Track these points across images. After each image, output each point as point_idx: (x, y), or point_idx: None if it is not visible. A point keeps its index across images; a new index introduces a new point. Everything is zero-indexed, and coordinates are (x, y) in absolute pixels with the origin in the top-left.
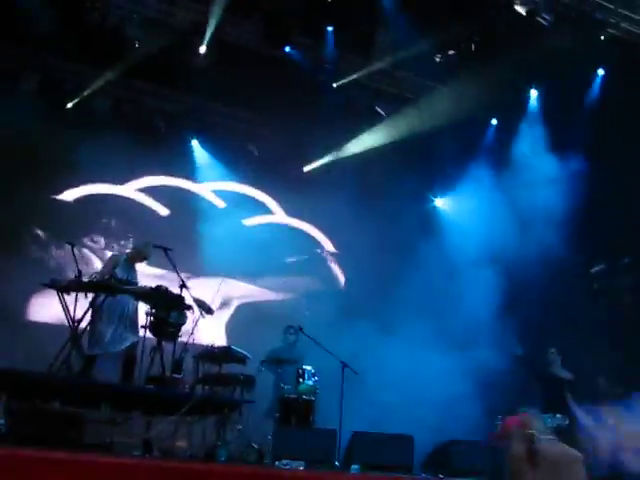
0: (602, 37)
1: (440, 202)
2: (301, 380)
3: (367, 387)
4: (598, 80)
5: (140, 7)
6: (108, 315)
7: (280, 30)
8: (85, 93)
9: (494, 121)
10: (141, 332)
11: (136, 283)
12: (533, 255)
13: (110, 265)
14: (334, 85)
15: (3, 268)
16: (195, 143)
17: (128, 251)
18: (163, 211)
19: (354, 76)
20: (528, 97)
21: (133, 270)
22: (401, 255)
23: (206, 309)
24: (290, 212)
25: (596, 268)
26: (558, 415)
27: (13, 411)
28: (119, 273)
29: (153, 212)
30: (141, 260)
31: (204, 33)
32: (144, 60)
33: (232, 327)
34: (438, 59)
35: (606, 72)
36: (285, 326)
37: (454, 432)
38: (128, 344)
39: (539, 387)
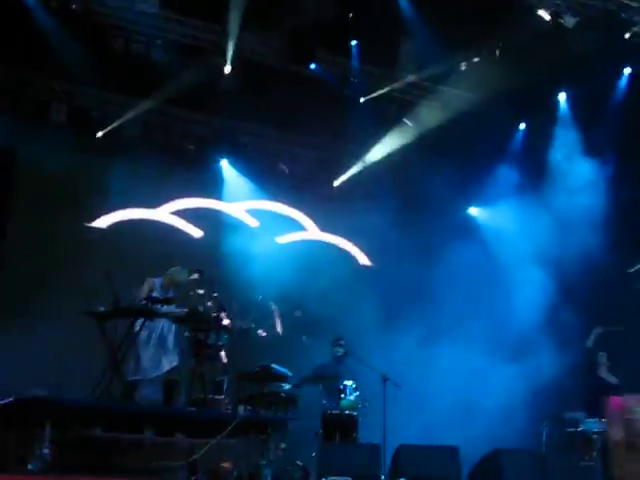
0: (627, 36)
1: (474, 210)
2: (343, 396)
3: (411, 399)
4: (625, 79)
5: (163, 32)
6: (147, 339)
7: (305, 48)
8: (114, 120)
9: (522, 126)
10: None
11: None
12: (575, 258)
13: (147, 289)
14: (361, 99)
15: (40, 296)
16: (225, 164)
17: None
18: (197, 233)
19: (381, 89)
20: (557, 101)
21: (170, 293)
22: (439, 263)
23: (243, 330)
24: (323, 227)
25: (636, 267)
26: (604, 419)
27: (57, 439)
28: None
29: (187, 235)
30: (175, 285)
31: (226, 52)
32: (171, 85)
33: (272, 344)
34: (463, 67)
35: (633, 71)
36: (332, 338)
37: (501, 441)
38: (167, 369)
39: (585, 390)
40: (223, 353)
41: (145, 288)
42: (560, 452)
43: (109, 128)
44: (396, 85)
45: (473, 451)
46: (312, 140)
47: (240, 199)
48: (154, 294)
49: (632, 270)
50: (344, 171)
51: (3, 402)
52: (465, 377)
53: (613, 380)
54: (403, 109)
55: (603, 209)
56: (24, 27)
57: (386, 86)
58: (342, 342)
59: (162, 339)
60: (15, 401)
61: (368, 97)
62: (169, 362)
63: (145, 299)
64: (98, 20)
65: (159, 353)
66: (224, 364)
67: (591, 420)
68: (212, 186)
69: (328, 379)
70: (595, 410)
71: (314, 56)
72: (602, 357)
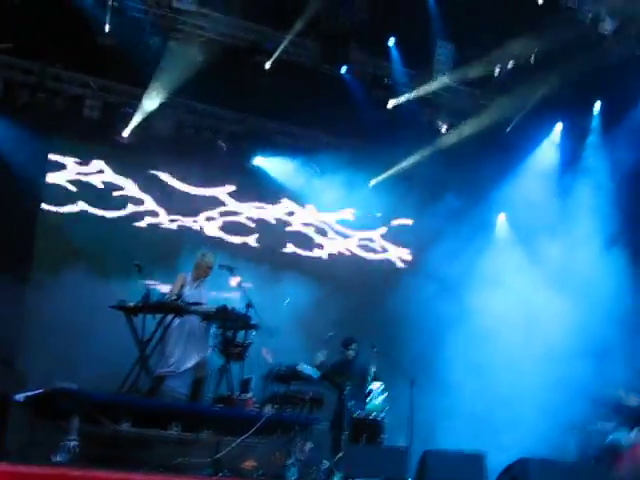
0: None
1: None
2: (368, 400)
3: (438, 402)
4: None
5: (200, 30)
6: (176, 335)
7: (339, 48)
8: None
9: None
10: (208, 352)
11: (204, 301)
12: None
13: (178, 284)
14: (394, 100)
15: (70, 290)
16: (258, 161)
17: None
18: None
19: (413, 92)
20: (592, 108)
21: (202, 287)
22: (478, 261)
23: (272, 328)
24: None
25: None
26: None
27: (85, 432)
28: (187, 291)
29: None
30: (204, 273)
31: (263, 52)
32: (204, 81)
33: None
34: (497, 72)
35: None
36: (343, 338)
37: (528, 449)
38: (194, 362)
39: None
40: (265, 350)
41: (177, 284)
42: (589, 463)
43: (137, 123)
44: (429, 87)
45: (499, 459)
46: (344, 140)
47: (274, 199)
48: (186, 289)
49: None
50: (377, 171)
51: (33, 394)
52: (495, 380)
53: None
54: (436, 112)
55: None
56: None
57: (419, 89)
58: (354, 345)
59: (192, 334)
60: (45, 393)
61: (400, 98)
62: (196, 356)
63: (176, 296)
64: (135, 16)
65: (189, 347)
66: (251, 363)
67: (621, 431)
68: (246, 185)
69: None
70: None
71: (348, 56)
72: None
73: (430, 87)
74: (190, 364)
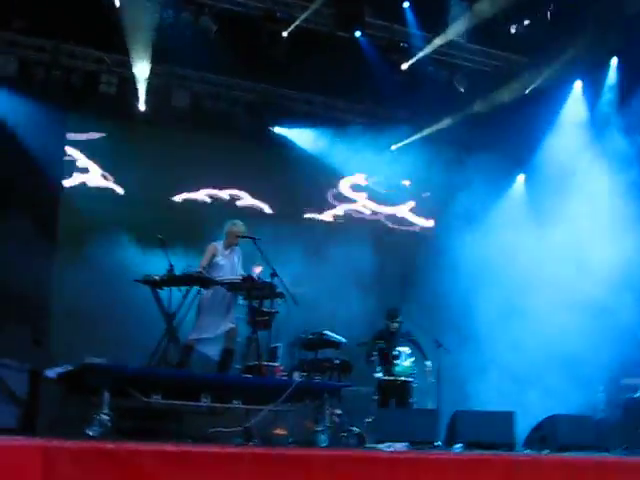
0: None
1: (522, 177)
2: (397, 362)
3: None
4: None
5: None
6: (208, 305)
7: (353, 13)
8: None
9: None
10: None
11: (238, 268)
12: None
13: (209, 255)
14: (410, 62)
15: (95, 266)
16: (279, 130)
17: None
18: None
19: (426, 50)
20: (608, 66)
21: (234, 254)
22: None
23: (297, 297)
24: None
25: None
26: None
27: (116, 406)
28: (220, 260)
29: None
30: (235, 239)
31: (277, 21)
32: (220, 53)
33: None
34: (514, 30)
35: None
36: (387, 310)
37: (558, 407)
38: (226, 330)
39: None
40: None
41: (208, 254)
42: (617, 418)
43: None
44: (445, 46)
45: (530, 417)
46: (362, 105)
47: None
48: (218, 257)
49: None
50: (398, 135)
51: (64, 370)
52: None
53: None
54: (453, 72)
55: None
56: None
57: (435, 49)
58: (398, 319)
59: (222, 303)
60: (75, 369)
61: (416, 59)
62: (229, 322)
63: (202, 268)
64: None
65: (221, 315)
66: (278, 330)
67: None
68: (266, 154)
69: (383, 346)
70: None
71: (362, 20)
72: None
73: (443, 44)
74: (222, 330)
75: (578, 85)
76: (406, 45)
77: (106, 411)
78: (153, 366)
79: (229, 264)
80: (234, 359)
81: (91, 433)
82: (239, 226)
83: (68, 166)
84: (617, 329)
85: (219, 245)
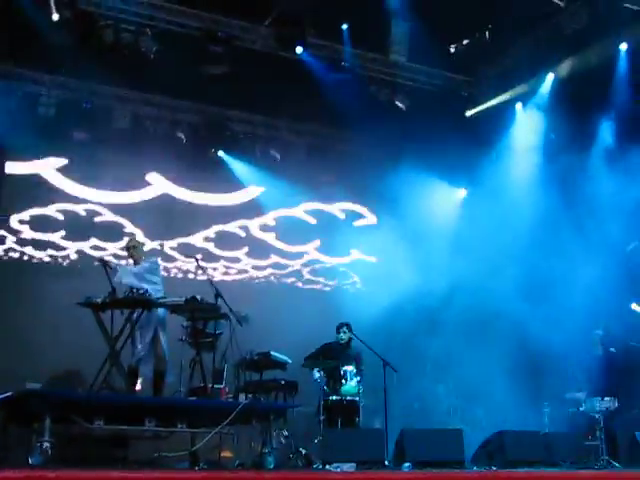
0: (622, 12)
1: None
2: (344, 381)
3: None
4: (623, 55)
5: (151, 20)
6: (145, 327)
7: (294, 33)
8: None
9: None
10: (180, 344)
11: (146, 285)
12: None
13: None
14: (353, 82)
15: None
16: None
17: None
18: None
19: (372, 73)
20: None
21: (143, 270)
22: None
23: (242, 317)
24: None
25: None
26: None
27: (58, 433)
28: (137, 276)
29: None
30: (137, 253)
31: (218, 41)
32: (160, 74)
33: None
34: (453, 49)
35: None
36: (337, 324)
37: (504, 424)
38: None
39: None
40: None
41: (121, 275)
42: (563, 432)
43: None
44: (386, 66)
45: (477, 435)
46: (304, 126)
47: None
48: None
49: None
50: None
51: (3, 396)
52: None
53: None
54: (394, 92)
55: None
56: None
57: (377, 69)
58: (345, 329)
59: (158, 322)
60: (15, 396)
61: (359, 76)
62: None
63: (143, 290)
64: (86, 10)
65: (147, 332)
66: (223, 352)
67: (593, 399)
68: (209, 175)
69: (332, 359)
70: (598, 389)
71: (304, 40)
72: (597, 335)
73: (384, 63)
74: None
75: (519, 105)
76: (347, 64)
77: (48, 438)
78: (95, 391)
79: (138, 279)
80: (179, 382)
81: (32, 462)
82: (133, 240)
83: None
84: (559, 343)
85: (127, 267)
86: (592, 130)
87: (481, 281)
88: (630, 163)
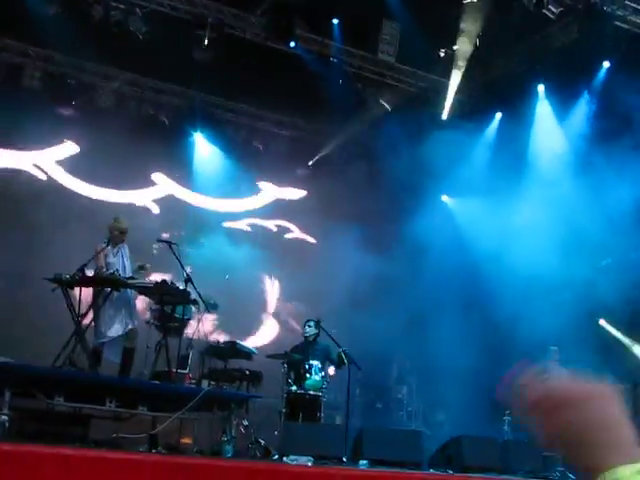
0: (609, 29)
1: (446, 198)
2: (308, 376)
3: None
4: (603, 72)
5: (142, 0)
6: (113, 308)
7: (285, 24)
8: (89, 89)
9: (499, 115)
10: (146, 327)
11: (126, 268)
12: None
13: (101, 256)
14: (339, 79)
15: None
16: (199, 137)
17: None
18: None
19: (359, 70)
20: (535, 91)
21: (121, 254)
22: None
23: (211, 304)
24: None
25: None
26: None
27: (17, 407)
28: (110, 259)
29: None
30: (119, 238)
31: (208, 27)
32: (147, 55)
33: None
34: (442, 54)
35: (612, 64)
36: (304, 320)
37: (465, 429)
38: (127, 330)
39: None
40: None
41: (99, 256)
42: (522, 441)
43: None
44: (374, 65)
45: (437, 438)
46: (288, 118)
47: (213, 173)
48: (109, 257)
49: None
50: (318, 150)
51: None
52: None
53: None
54: (381, 91)
55: None
56: None
57: (365, 67)
58: (311, 323)
59: (126, 304)
60: None
61: (346, 74)
62: (129, 324)
63: (113, 270)
64: None
65: (121, 317)
66: (190, 338)
67: None
68: (185, 159)
69: (297, 353)
70: None
71: (294, 33)
72: (555, 353)
73: (372, 62)
74: (118, 332)
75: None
76: (336, 60)
77: (6, 411)
78: (58, 367)
79: (117, 263)
80: (143, 364)
81: None
82: (120, 221)
83: None
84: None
85: (105, 246)
86: None
87: None
88: None
